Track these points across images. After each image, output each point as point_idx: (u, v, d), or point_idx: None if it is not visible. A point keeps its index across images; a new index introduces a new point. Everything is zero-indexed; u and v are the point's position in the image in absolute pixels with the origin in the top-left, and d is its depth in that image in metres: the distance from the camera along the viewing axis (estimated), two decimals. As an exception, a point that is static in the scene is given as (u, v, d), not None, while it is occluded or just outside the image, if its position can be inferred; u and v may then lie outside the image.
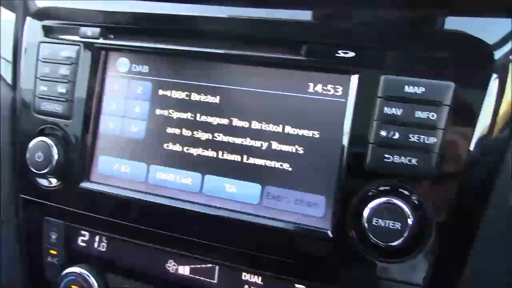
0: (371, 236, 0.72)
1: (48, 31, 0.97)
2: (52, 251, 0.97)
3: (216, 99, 0.84)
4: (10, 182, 1.01)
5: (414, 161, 0.71)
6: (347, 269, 0.77)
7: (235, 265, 0.83)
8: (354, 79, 0.75)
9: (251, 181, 0.82)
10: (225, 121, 0.84)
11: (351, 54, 0.75)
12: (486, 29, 0.70)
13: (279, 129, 0.80)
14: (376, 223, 0.71)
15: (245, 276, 0.83)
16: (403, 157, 0.72)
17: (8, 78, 1.03)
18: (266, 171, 0.81)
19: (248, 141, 0.82)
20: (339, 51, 0.76)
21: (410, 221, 0.70)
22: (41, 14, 0.98)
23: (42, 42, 0.96)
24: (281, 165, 0.80)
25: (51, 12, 0.97)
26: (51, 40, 0.96)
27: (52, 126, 0.95)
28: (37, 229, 0.98)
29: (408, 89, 0.72)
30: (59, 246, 0.96)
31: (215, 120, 0.84)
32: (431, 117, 0.70)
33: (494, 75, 0.69)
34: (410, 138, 0.71)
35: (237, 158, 0.83)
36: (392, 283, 0.74)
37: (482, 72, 0.70)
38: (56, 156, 0.92)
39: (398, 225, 0.70)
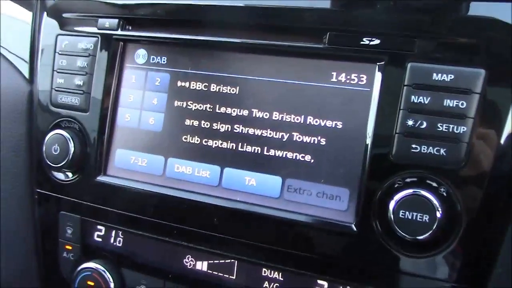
0: (397, 229, 0.69)
1: (65, 24, 0.96)
2: (67, 246, 0.95)
3: (236, 90, 0.83)
4: (26, 176, 1.00)
5: (442, 151, 0.69)
6: (372, 264, 0.74)
7: (254, 260, 0.81)
8: (380, 67, 0.73)
9: (272, 173, 0.80)
10: (244, 112, 0.82)
11: (376, 41, 0.73)
12: (518, 13, 0.68)
13: (300, 120, 0.78)
14: (403, 215, 0.69)
15: (265, 272, 0.81)
16: (431, 147, 0.69)
17: (25, 72, 1.02)
18: (287, 163, 0.79)
19: (268, 133, 0.80)
20: (364, 39, 0.74)
21: (438, 214, 0.67)
22: (59, 6, 0.97)
23: (60, 34, 0.96)
24: (302, 157, 0.78)
25: (69, 4, 0.96)
26: (68, 32, 0.96)
27: (69, 119, 0.94)
28: (52, 223, 0.97)
29: (436, 76, 0.69)
30: (74, 241, 0.95)
31: (234, 112, 0.82)
32: (460, 106, 0.68)
33: (526, 62, 0.67)
34: (438, 128, 0.69)
35: (257, 150, 0.81)
36: (419, 278, 0.71)
37: (513, 59, 0.68)
38: (72, 150, 0.90)
39: (426, 218, 0.68)
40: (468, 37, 0.70)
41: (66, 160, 0.90)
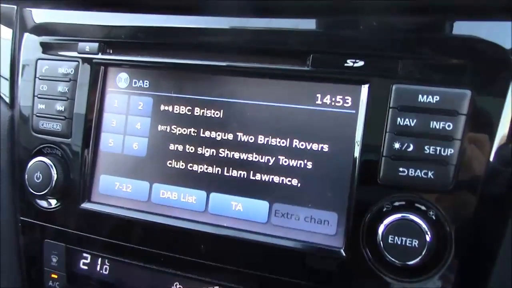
0: (386, 254, 0.68)
1: (45, 48, 0.94)
2: (53, 275, 0.93)
3: (220, 114, 0.81)
4: (9, 204, 0.97)
5: (430, 174, 0.68)
6: (362, 290, 0.73)
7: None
8: (364, 89, 0.72)
9: (258, 198, 0.78)
10: (229, 136, 0.80)
11: (361, 63, 0.72)
12: (503, 33, 0.67)
13: (286, 143, 0.77)
14: (392, 240, 0.68)
15: (255, 299, 0.79)
16: (418, 170, 0.68)
17: (6, 96, 1.00)
18: (274, 188, 0.77)
19: (254, 157, 0.79)
20: (348, 60, 0.73)
21: (428, 238, 0.66)
22: (39, 29, 0.96)
23: (40, 59, 0.94)
24: (289, 181, 0.77)
25: (48, 28, 0.95)
26: (48, 56, 0.94)
27: (51, 145, 0.92)
28: (37, 252, 0.94)
29: (422, 98, 0.68)
30: (60, 269, 0.93)
31: (219, 135, 0.81)
32: (447, 127, 0.67)
33: (513, 82, 0.66)
34: (426, 150, 0.68)
35: (243, 174, 0.79)
36: (411, 304, 0.70)
37: (499, 79, 0.67)
38: (55, 177, 0.89)
39: (415, 243, 0.67)
40: (453, 57, 0.69)
41: (49, 188, 0.89)
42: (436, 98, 0.68)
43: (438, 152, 0.67)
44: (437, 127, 0.68)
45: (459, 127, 0.67)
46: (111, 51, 0.89)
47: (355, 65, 0.72)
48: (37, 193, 0.90)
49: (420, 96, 0.68)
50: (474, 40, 0.68)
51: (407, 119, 0.69)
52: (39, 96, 0.93)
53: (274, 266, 0.77)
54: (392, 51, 0.72)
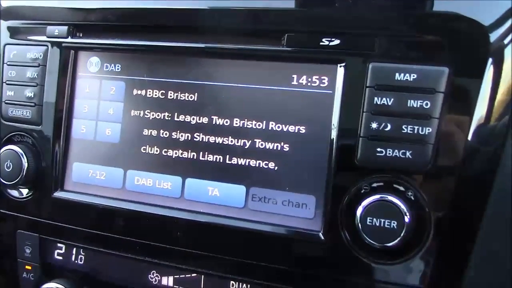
0: (365, 236, 0.67)
1: (13, 32, 0.91)
2: (27, 267, 0.91)
3: (194, 97, 0.79)
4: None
5: (408, 154, 0.66)
6: (341, 273, 0.71)
7: (221, 274, 0.78)
8: (341, 69, 0.71)
9: (235, 182, 0.77)
10: (204, 120, 0.78)
11: (336, 41, 0.70)
12: (481, 9, 0.66)
13: (262, 125, 0.75)
14: (370, 222, 0.66)
15: (233, 285, 0.77)
16: (396, 150, 0.67)
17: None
18: (251, 172, 0.76)
19: (230, 140, 0.77)
20: (323, 39, 0.71)
21: (406, 219, 0.65)
22: (5, 14, 0.92)
23: (7, 44, 0.91)
24: (266, 165, 0.75)
25: (15, 12, 0.92)
26: (16, 41, 0.91)
27: (21, 133, 0.89)
28: (10, 243, 0.92)
29: (399, 76, 0.67)
30: (34, 260, 0.90)
31: (194, 119, 0.79)
32: (424, 106, 0.66)
33: (491, 59, 0.65)
34: (403, 130, 0.67)
35: (219, 158, 0.77)
36: (390, 286, 0.69)
37: (477, 56, 0.66)
38: (26, 165, 0.86)
39: (394, 224, 0.65)
40: (431, 34, 0.67)
41: (20, 177, 0.86)
42: (413, 76, 0.66)
43: (416, 131, 0.66)
44: (415, 105, 0.66)
45: (437, 105, 0.65)
46: (81, 35, 0.86)
47: (331, 43, 0.70)
48: (7, 183, 0.87)
49: (397, 74, 0.67)
50: (452, 16, 0.66)
51: (384, 98, 0.67)
52: (7, 82, 0.90)
53: (252, 251, 0.75)
54: (368, 28, 0.70)
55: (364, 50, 0.69)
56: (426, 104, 0.66)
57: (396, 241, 0.65)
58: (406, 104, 0.66)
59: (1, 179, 0.87)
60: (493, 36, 0.65)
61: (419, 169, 0.66)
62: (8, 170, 0.86)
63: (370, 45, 0.69)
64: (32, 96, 0.87)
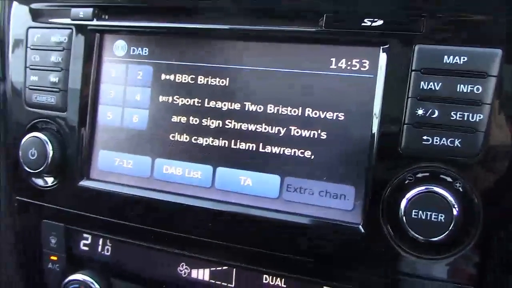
0: (409, 230, 0.63)
1: (36, 15, 0.88)
2: (52, 257, 0.89)
3: (226, 82, 0.76)
4: (4, 183, 0.92)
5: (457, 142, 0.63)
6: (382, 269, 0.68)
7: (254, 267, 0.75)
8: (384, 51, 0.67)
9: (269, 172, 0.73)
10: (236, 106, 0.75)
11: (379, 22, 0.67)
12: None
13: (298, 112, 0.72)
14: (415, 215, 0.63)
15: (266, 279, 0.75)
16: (444, 138, 0.63)
17: (-3, 68, 0.94)
18: (286, 161, 0.72)
19: (263, 128, 0.73)
20: (365, 20, 0.67)
21: (455, 212, 0.62)
22: (28, -4, 0.89)
23: (31, 27, 0.88)
24: (302, 153, 0.71)
25: (39, -7, 0.88)
26: (40, 24, 0.88)
27: (45, 120, 0.87)
28: (35, 233, 0.90)
29: (447, 59, 0.63)
30: (59, 251, 0.88)
31: (225, 106, 0.75)
32: (475, 91, 0.62)
33: (549, 38, 0.60)
34: (452, 116, 0.63)
35: (251, 147, 0.74)
36: (435, 282, 0.65)
37: (534, 36, 0.61)
38: (51, 153, 0.83)
39: (441, 217, 0.62)
40: (481, 14, 0.63)
41: (45, 165, 0.83)
42: (463, 59, 0.62)
43: (465, 118, 0.62)
44: (465, 90, 0.62)
45: (488, 90, 0.61)
46: (107, 17, 0.83)
47: (373, 24, 0.67)
48: (32, 171, 0.84)
49: (445, 57, 0.63)
50: (505, -6, 0.62)
51: (431, 83, 0.63)
52: (31, 67, 0.87)
53: (287, 244, 0.72)
54: (414, 8, 0.66)
55: (409, 31, 0.65)
56: (477, 89, 0.62)
57: (443, 235, 0.62)
58: (456, 89, 0.62)
59: (26, 167, 0.85)
60: (552, 14, 0.60)
61: (469, 158, 0.63)
62: (33, 158, 0.84)
63: (416, 26, 0.65)
64: (57, 81, 0.85)
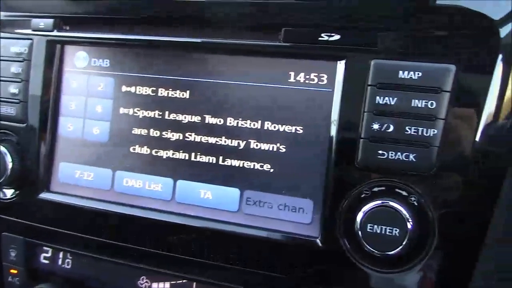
0: (365, 244, 0.63)
1: (-4, 25, 0.87)
2: (12, 270, 0.87)
3: (186, 94, 0.75)
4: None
5: (412, 156, 0.63)
6: (340, 282, 0.68)
7: (214, 281, 0.74)
8: (341, 66, 0.67)
9: (229, 185, 0.73)
10: (196, 119, 0.75)
11: (336, 37, 0.67)
12: (490, 3, 0.62)
13: (257, 125, 0.72)
14: (370, 229, 0.63)
15: (226, 293, 0.74)
16: (399, 153, 0.63)
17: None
18: (245, 174, 0.72)
19: (223, 141, 0.73)
20: (323, 34, 0.67)
21: (409, 226, 0.62)
22: (-13, 6, 0.88)
23: (-10, 37, 0.87)
24: (261, 166, 0.71)
25: (-1, 4, 0.87)
26: (0, 34, 0.86)
27: (5, 131, 0.85)
28: (-5, 246, 0.88)
29: (402, 74, 0.63)
30: (19, 264, 0.87)
31: (185, 118, 0.75)
32: (429, 106, 0.62)
33: (500, 55, 0.61)
34: (407, 131, 0.63)
35: (212, 160, 0.74)
36: (391, 296, 0.65)
37: (486, 52, 0.62)
38: (10, 165, 0.83)
39: (396, 231, 0.62)
40: (436, 29, 0.64)
41: (4, 177, 0.83)
42: (418, 74, 0.63)
43: (420, 133, 0.62)
44: (419, 105, 0.63)
45: (442, 106, 0.62)
46: (67, 28, 0.83)
47: (331, 39, 0.67)
48: (-9, 183, 0.83)
49: (400, 72, 0.63)
50: (459, 10, 0.62)
51: (386, 98, 0.64)
52: (-10, 78, 0.86)
53: (246, 257, 0.72)
54: (370, 23, 0.66)
55: (366, 46, 0.65)
56: (431, 104, 0.62)
57: (398, 249, 0.62)
58: (410, 104, 0.63)
59: (-16, 180, 0.83)
60: (504, 31, 0.61)
61: (423, 172, 0.63)
62: (-8, 170, 0.83)
63: (372, 41, 0.65)
64: (17, 92, 0.84)
